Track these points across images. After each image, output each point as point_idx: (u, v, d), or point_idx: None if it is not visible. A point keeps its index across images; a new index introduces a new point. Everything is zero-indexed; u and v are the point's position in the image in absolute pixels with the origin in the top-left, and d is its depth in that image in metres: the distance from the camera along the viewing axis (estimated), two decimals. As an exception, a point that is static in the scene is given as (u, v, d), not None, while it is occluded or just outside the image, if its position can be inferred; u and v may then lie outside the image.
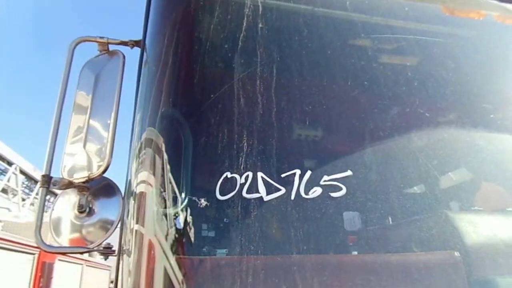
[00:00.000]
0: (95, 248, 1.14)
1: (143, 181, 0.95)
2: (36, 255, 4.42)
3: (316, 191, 0.76)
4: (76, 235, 1.23)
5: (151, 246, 0.84)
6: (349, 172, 0.74)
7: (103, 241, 1.15)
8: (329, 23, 1.14)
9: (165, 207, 0.83)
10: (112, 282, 8.70)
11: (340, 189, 0.75)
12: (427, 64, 1.13)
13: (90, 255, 7.75)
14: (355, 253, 0.75)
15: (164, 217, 0.82)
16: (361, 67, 1.04)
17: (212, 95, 0.96)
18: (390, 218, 0.81)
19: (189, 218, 0.77)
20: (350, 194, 0.74)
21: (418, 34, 1.13)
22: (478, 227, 0.84)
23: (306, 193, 0.75)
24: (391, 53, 1.11)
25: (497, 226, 0.90)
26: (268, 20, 1.07)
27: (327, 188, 0.76)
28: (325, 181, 0.76)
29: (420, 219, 0.82)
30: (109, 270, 8.07)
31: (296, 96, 0.93)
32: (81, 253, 1.42)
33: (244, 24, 1.06)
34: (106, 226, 1.22)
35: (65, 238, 1.22)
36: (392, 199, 0.81)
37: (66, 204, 1.25)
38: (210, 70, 1.07)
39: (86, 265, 6.40)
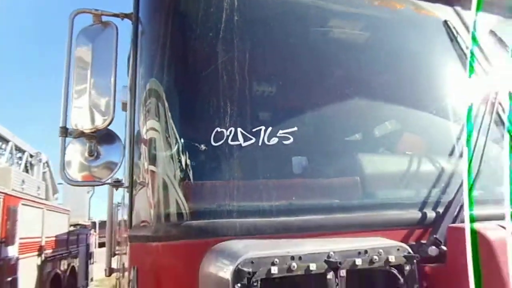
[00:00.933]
0: (107, 182, 1.50)
1: (149, 129, 1.30)
2: (1, 200, 4.56)
3: (274, 140, 1.16)
4: (86, 173, 1.56)
5: (157, 177, 1.22)
6: (295, 128, 1.14)
7: (111, 176, 1.50)
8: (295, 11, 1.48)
9: (170, 149, 1.20)
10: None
11: (289, 139, 1.15)
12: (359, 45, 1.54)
13: (47, 199, 7.90)
14: (299, 178, 1.18)
15: (170, 158, 1.20)
16: (312, 45, 1.43)
17: (203, 65, 1.30)
18: (323, 158, 1.26)
19: (190, 157, 1.15)
20: (296, 142, 1.16)
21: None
22: (377, 162, 1.31)
23: (268, 141, 1.16)
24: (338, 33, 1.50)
25: (391, 162, 1.38)
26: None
27: (281, 138, 1.17)
28: (280, 133, 1.17)
29: (341, 159, 1.27)
30: (67, 214, 8.31)
31: (265, 73, 1.30)
32: (97, 185, 1.76)
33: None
34: (110, 166, 1.56)
35: (77, 176, 1.54)
36: (325, 147, 1.25)
37: (75, 150, 1.55)
38: (198, 37, 1.38)
39: (46, 209, 6.60)
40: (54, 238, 7.15)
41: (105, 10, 1.57)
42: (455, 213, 1.05)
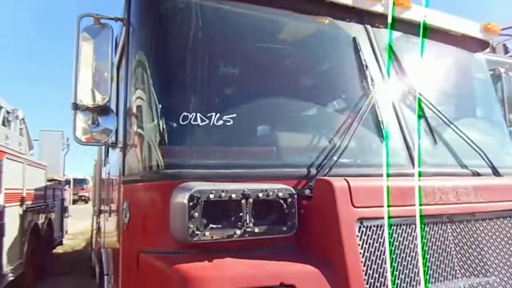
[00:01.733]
0: (108, 143, 2.10)
1: (136, 106, 1.90)
2: (-11, 153, 5.00)
3: (220, 122, 1.79)
4: (89, 136, 2.14)
5: (142, 139, 1.84)
6: (234, 115, 1.79)
7: (108, 139, 2.10)
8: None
9: (151, 122, 1.81)
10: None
11: (230, 121, 1.79)
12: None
13: (26, 154, 8.28)
14: (235, 147, 1.84)
15: (151, 128, 1.81)
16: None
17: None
18: (251, 134, 1.91)
19: (165, 129, 1.77)
20: (234, 124, 1.80)
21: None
22: (285, 137, 1.98)
23: (216, 122, 1.78)
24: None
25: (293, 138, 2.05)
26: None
27: (225, 121, 1.80)
28: (224, 118, 1.80)
29: (262, 136, 1.93)
30: (44, 169, 8.74)
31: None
32: (98, 145, 2.34)
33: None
34: (107, 131, 2.15)
35: (82, 138, 2.12)
36: (252, 128, 1.90)
37: (80, 120, 2.12)
38: (169, 37, 1.95)
39: (27, 164, 7.04)
40: (33, 191, 7.64)
41: (103, 14, 2.09)
42: (324, 173, 1.75)
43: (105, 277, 2.80)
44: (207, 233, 1.46)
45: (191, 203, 1.45)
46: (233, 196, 1.50)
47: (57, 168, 10.57)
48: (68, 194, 11.97)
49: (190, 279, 1.37)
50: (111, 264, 2.59)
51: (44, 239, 8.43)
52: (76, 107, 2.01)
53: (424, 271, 1.63)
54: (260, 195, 1.54)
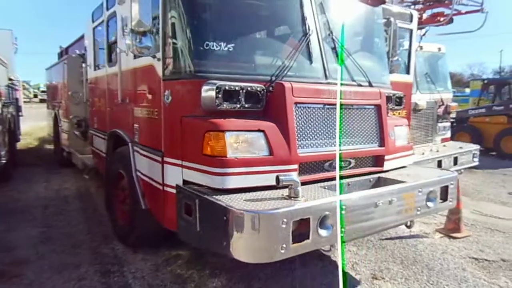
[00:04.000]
0: (149, 54, 3.42)
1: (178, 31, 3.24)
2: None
3: (230, 48, 3.22)
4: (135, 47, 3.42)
5: (180, 49, 3.23)
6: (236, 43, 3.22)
7: (149, 53, 3.40)
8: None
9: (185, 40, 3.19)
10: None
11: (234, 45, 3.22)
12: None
13: None
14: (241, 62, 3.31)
15: (185, 43, 3.20)
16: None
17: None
18: (249, 52, 3.39)
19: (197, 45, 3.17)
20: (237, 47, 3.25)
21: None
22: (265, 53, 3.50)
23: (226, 47, 3.21)
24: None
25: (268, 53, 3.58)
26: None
27: (232, 47, 3.23)
28: (230, 45, 3.22)
29: (252, 54, 3.43)
30: (6, 67, 9.15)
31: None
32: (146, 56, 3.61)
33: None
34: (147, 47, 3.44)
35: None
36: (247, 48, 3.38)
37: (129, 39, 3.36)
38: None
39: (-2, 62, 7.60)
40: (2, 88, 8.27)
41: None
42: (280, 79, 3.35)
43: (130, 144, 4.28)
44: (224, 105, 3.03)
45: (217, 90, 2.98)
46: (236, 88, 3.05)
47: (11, 68, 10.79)
48: (20, 95, 12.29)
49: (215, 123, 2.96)
50: (139, 133, 4.06)
51: (12, 133, 9.29)
52: (131, 31, 3.26)
53: (321, 132, 3.40)
54: (249, 89, 3.11)
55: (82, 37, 9.02)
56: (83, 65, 7.19)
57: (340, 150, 3.53)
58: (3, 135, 7.54)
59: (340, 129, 3.57)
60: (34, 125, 16.31)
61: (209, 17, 3.34)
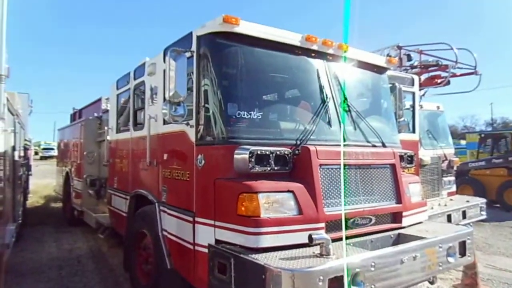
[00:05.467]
0: (183, 122, 3.75)
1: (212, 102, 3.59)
2: None
3: (259, 117, 3.56)
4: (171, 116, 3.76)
5: (213, 119, 3.57)
6: (263, 113, 3.57)
7: (184, 118, 3.73)
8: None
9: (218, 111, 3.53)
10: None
11: (260, 117, 3.57)
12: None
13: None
14: (268, 128, 3.63)
15: (217, 115, 3.53)
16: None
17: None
18: (273, 122, 3.73)
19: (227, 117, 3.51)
20: (264, 118, 3.59)
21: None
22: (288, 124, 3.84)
23: (255, 117, 3.56)
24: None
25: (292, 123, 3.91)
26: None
27: (258, 116, 3.58)
28: (258, 115, 3.57)
29: (276, 123, 3.77)
30: (23, 128, 9.53)
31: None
32: (180, 123, 3.94)
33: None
34: (182, 115, 3.77)
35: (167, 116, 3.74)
36: (273, 120, 3.72)
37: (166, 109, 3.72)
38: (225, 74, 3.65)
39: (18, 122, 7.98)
40: (21, 148, 8.58)
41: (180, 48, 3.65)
42: (304, 143, 3.64)
43: (156, 204, 4.47)
44: (256, 168, 3.29)
45: (250, 155, 3.25)
46: (267, 152, 3.34)
47: (26, 129, 11.21)
48: (31, 154, 12.59)
49: (249, 185, 3.20)
50: (167, 193, 4.27)
51: (24, 192, 9.43)
52: (169, 101, 3.61)
53: (344, 191, 3.63)
54: (278, 153, 3.40)
55: (98, 101, 9.58)
56: (105, 127, 7.55)
57: (360, 208, 3.74)
58: (20, 195, 7.69)
59: (359, 187, 3.81)
60: (38, 182, 16.44)
61: (239, 88, 3.72)
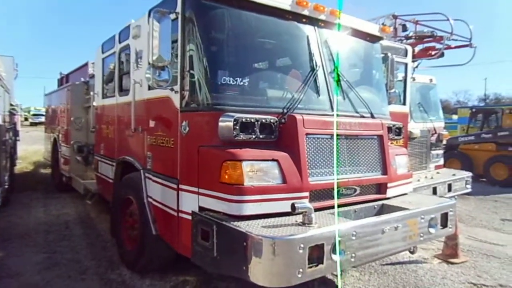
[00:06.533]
0: (167, 88, 3.63)
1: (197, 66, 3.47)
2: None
3: (245, 82, 3.46)
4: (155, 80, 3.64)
5: (198, 83, 3.45)
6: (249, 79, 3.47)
7: (169, 83, 3.62)
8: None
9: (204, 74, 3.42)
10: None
11: (247, 81, 3.47)
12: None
13: None
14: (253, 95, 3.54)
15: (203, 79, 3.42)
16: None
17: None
18: (259, 87, 3.62)
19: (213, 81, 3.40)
20: (251, 82, 3.48)
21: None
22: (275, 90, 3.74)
23: (241, 82, 3.45)
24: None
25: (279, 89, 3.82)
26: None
27: (244, 82, 3.47)
28: (244, 80, 3.46)
29: (263, 89, 3.67)
30: (8, 92, 9.27)
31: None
32: (165, 88, 3.82)
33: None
34: (165, 80, 3.65)
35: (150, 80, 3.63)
36: (259, 83, 3.61)
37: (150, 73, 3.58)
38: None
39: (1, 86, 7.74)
40: (6, 113, 8.38)
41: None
42: (291, 111, 3.57)
43: (142, 170, 4.43)
44: (240, 136, 3.22)
45: (234, 122, 3.18)
46: (252, 120, 3.26)
47: (12, 93, 10.92)
48: (18, 120, 12.36)
49: (233, 153, 3.14)
50: (152, 160, 4.22)
51: (11, 158, 9.31)
52: (152, 65, 3.47)
53: (330, 161, 3.61)
54: (263, 121, 3.33)
55: (84, 65, 9.30)
56: (91, 92, 7.37)
57: (345, 178, 3.73)
58: (6, 161, 7.58)
59: (345, 158, 3.78)
60: (27, 148, 16.29)
61: (226, 53, 3.59)
